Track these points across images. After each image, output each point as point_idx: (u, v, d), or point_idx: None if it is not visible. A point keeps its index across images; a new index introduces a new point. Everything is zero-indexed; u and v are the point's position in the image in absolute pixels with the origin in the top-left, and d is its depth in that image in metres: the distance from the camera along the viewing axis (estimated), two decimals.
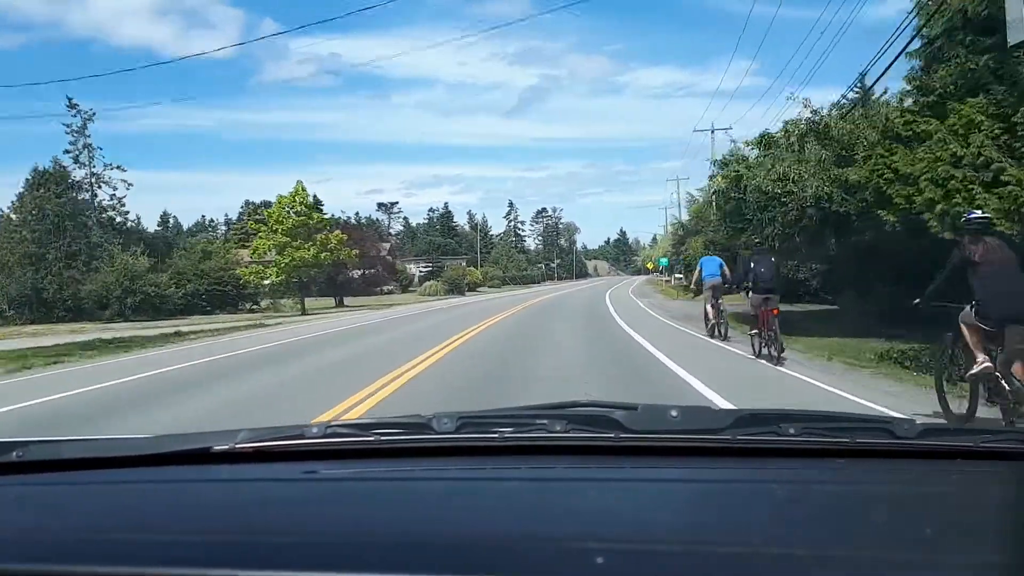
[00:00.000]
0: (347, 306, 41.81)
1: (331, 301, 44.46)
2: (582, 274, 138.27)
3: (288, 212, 33.93)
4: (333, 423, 1.41)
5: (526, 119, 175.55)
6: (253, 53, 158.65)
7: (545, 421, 1.39)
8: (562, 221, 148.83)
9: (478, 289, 71.98)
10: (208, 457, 1.30)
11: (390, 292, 66.96)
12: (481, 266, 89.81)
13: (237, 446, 1.31)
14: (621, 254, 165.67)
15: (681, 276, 42.48)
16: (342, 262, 38.01)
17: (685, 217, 66.56)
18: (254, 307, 39.22)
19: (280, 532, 1.04)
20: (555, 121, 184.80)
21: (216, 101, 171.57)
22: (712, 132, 43.17)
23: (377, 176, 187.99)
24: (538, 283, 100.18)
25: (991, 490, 1.27)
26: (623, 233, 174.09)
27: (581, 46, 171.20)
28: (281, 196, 34.29)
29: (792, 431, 1.36)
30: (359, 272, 46.90)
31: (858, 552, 0.97)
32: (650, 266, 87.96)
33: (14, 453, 1.28)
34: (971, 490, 1.24)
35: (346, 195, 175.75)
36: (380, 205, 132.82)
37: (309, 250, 32.99)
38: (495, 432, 1.37)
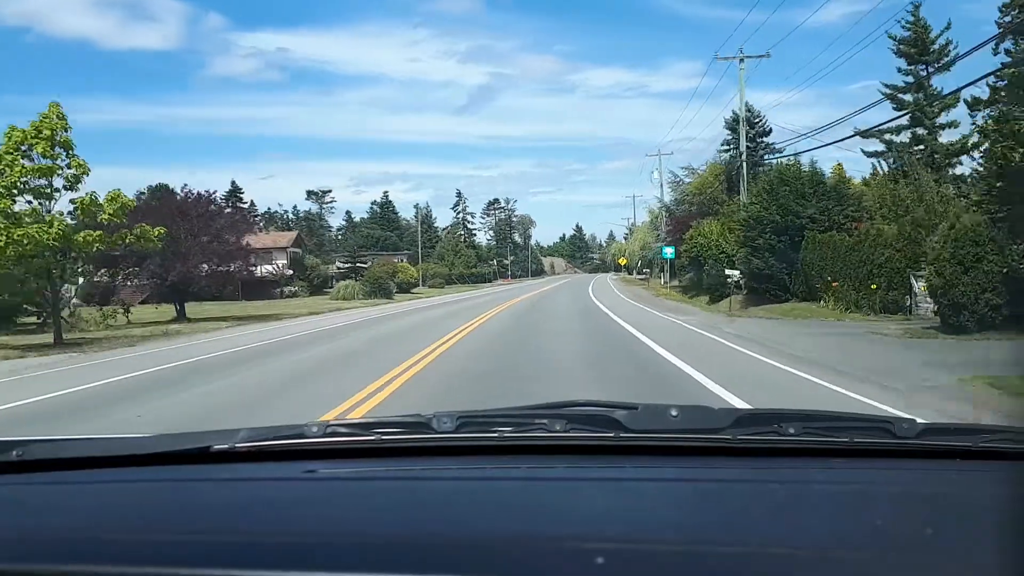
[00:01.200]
0: (189, 319, 31.21)
1: (177, 309, 33.76)
2: (538, 271, 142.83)
3: (20, 156, 15.48)
4: (333, 422, 1.50)
5: (476, 117, 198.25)
6: (196, 47, 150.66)
7: (545, 421, 1.46)
8: (516, 214, 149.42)
9: (414, 290, 63.07)
10: (208, 456, 1.37)
11: (292, 295, 58.32)
12: (423, 262, 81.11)
13: (237, 445, 1.38)
14: (577, 251, 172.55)
15: (737, 276, 27.79)
16: (143, 248, 24.82)
17: (668, 197, 50.61)
18: (47, 320, 25.79)
19: (280, 531, 1.10)
20: (506, 120, 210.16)
21: (155, 95, 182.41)
22: (741, 60, 32.25)
23: (324, 173, 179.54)
24: (489, 282, 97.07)
25: (990, 490, 1.33)
26: (579, 229, 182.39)
27: (532, 46, 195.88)
28: (12, 128, 16.08)
29: (792, 431, 1.44)
30: (209, 267, 28.44)
31: (857, 551, 1.00)
32: (622, 261, 78.32)
33: (14, 452, 1.37)
34: (970, 490, 1.32)
35: (291, 192, 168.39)
36: (310, 193, 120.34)
37: (51, 225, 14.27)
38: (495, 431, 1.44)
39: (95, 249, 21.92)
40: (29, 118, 20.30)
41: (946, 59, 31.32)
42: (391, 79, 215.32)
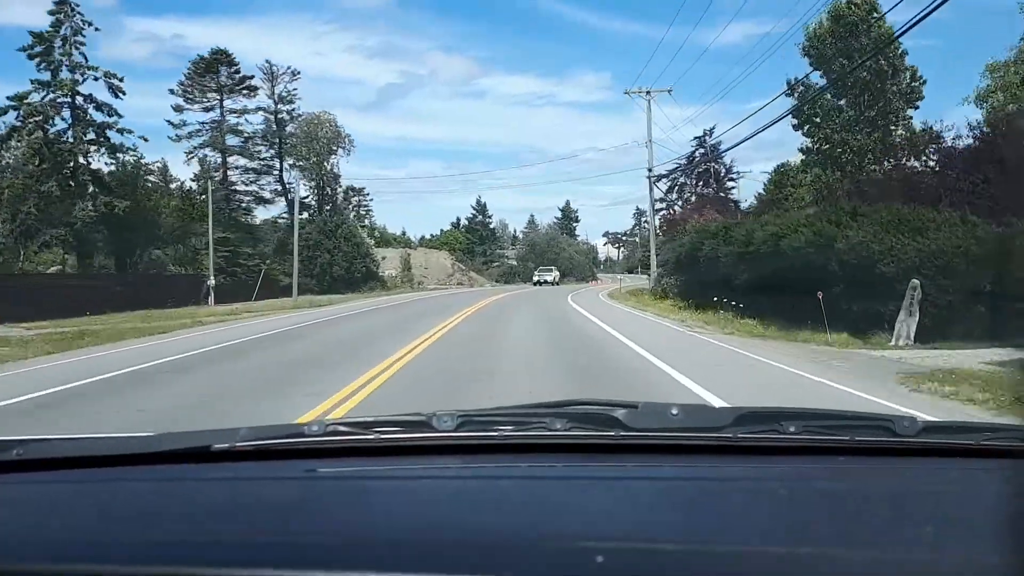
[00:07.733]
0: None
1: None
2: (365, 276, 55.90)
3: None
4: (333, 421, 1.49)
5: (384, 116, 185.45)
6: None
7: (545, 419, 1.46)
8: (300, 112, 56.53)
9: None
10: (208, 455, 1.38)
11: None
12: None
13: (237, 444, 1.39)
14: (479, 243, 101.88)
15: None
16: None
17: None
18: None
19: (280, 531, 1.11)
20: (414, 121, 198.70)
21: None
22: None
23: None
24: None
25: (991, 488, 1.34)
26: (483, 208, 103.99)
27: (443, 48, 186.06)
28: None
29: (792, 429, 1.44)
30: None
31: (858, 550, 1.02)
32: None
33: (15, 451, 1.37)
34: (971, 488, 1.32)
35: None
36: None
37: None
38: (495, 430, 1.44)
39: None
40: None
41: None
42: (299, 73, 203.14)
